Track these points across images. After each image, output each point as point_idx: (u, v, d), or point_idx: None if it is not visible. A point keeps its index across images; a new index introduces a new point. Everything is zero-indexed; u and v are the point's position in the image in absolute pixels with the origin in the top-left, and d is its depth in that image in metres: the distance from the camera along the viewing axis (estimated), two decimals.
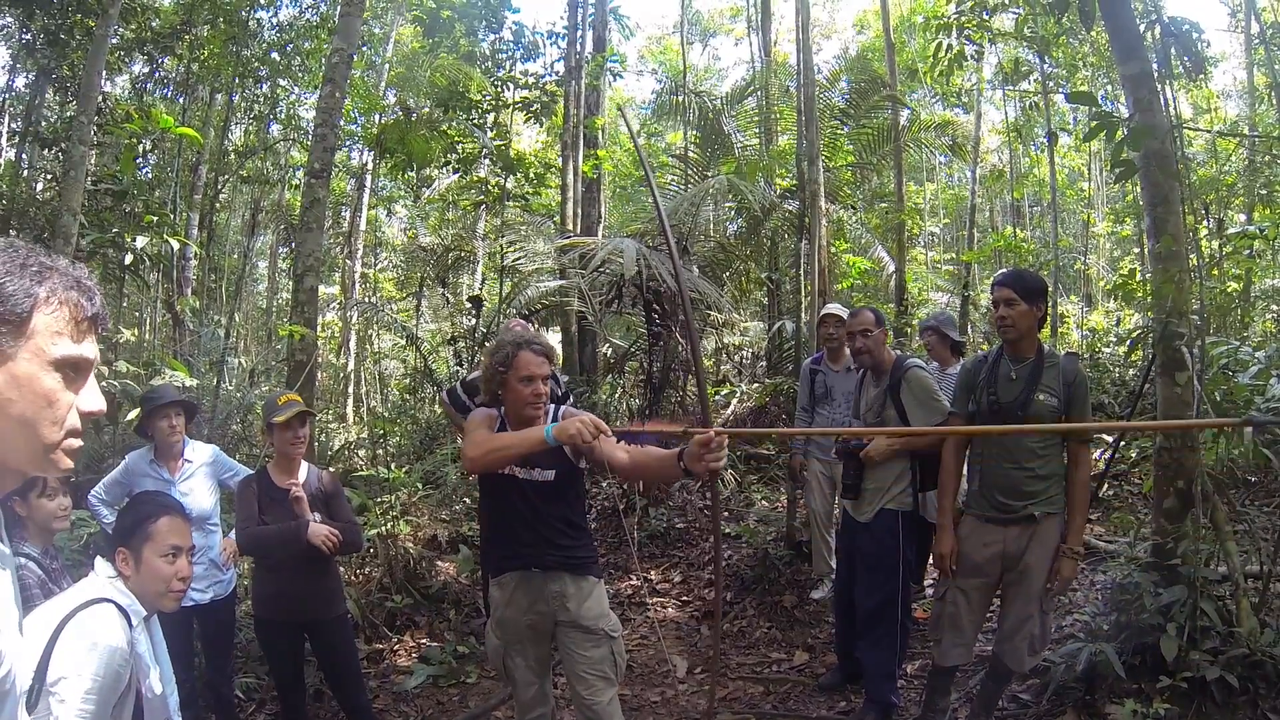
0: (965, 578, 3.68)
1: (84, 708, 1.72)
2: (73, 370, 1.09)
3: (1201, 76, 6.33)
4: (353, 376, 16.62)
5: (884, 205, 14.52)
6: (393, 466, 7.48)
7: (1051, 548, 3.51)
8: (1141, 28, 4.66)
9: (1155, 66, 4.54)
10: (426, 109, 11.83)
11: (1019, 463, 3.51)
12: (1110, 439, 6.28)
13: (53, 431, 1.07)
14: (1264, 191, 10.51)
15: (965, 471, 3.86)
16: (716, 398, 10.38)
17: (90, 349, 1.12)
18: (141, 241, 6.55)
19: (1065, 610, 5.08)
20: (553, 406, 3.22)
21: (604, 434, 2.75)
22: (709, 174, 11.25)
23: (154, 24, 10.57)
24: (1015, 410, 3.52)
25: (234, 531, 4.11)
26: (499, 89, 11.24)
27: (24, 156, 11.30)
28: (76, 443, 1.11)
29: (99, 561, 2.15)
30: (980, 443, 3.69)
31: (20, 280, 1.06)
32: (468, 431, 3.13)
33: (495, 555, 3.29)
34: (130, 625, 1.97)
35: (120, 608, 1.97)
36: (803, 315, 7.80)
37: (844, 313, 5.46)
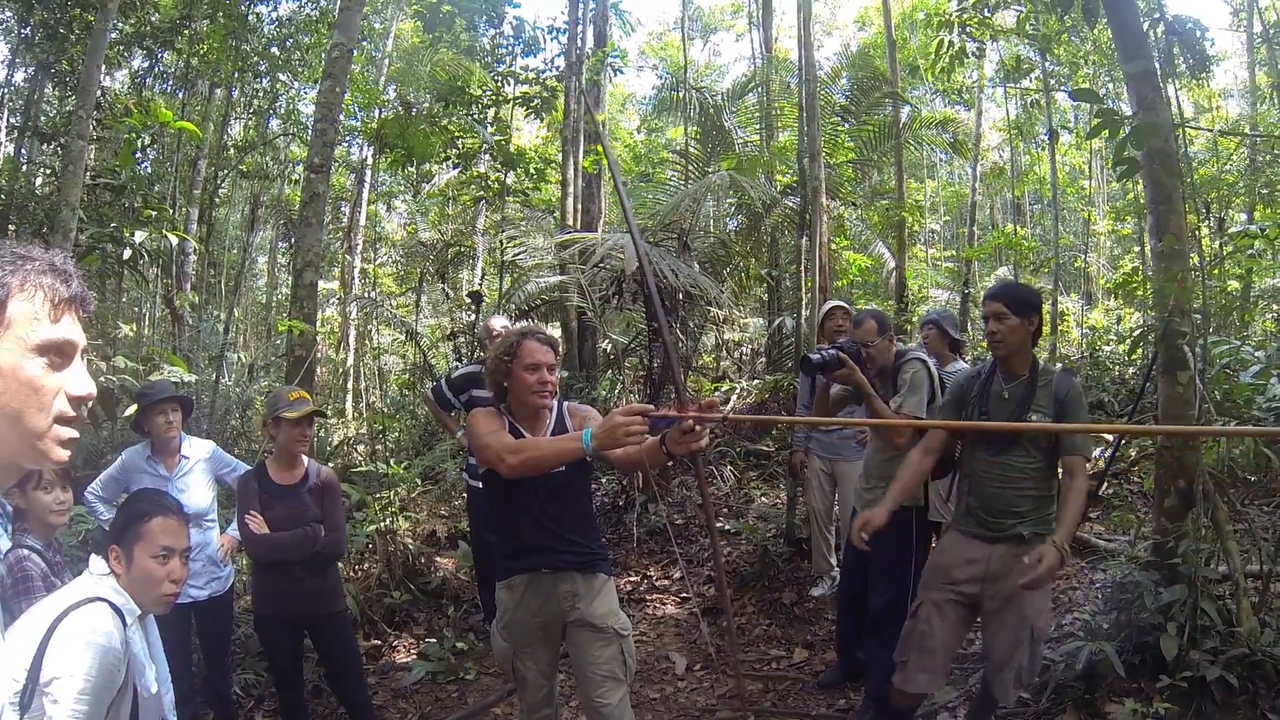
0: (940, 591, 3.42)
1: (77, 708, 1.71)
2: (57, 355, 1.08)
3: (1204, 75, 6.30)
4: (352, 372, 16.58)
5: (885, 202, 14.50)
6: (392, 462, 7.46)
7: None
8: (1145, 25, 4.64)
9: (1158, 64, 4.52)
10: (426, 104, 11.80)
11: (1008, 483, 3.31)
12: (1110, 436, 6.27)
13: (41, 420, 1.05)
14: (1265, 191, 10.49)
15: (954, 493, 3.71)
16: (716, 393, 10.35)
17: (71, 331, 1.10)
18: (140, 236, 6.52)
19: (1065, 609, 5.08)
20: (556, 402, 3.18)
21: (645, 427, 2.57)
22: (709, 170, 11.22)
23: (153, 18, 10.53)
24: (1007, 431, 3.37)
25: (231, 527, 4.11)
26: (499, 84, 11.21)
27: (23, 151, 11.29)
28: (69, 432, 1.09)
29: (94, 559, 2.13)
30: (968, 463, 3.52)
31: None
32: (479, 432, 2.96)
33: (503, 556, 3.22)
34: (125, 624, 1.95)
35: (114, 606, 1.95)
36: (803, 312, 7.79)
37: (849, 306, 5.47)
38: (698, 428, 2.46)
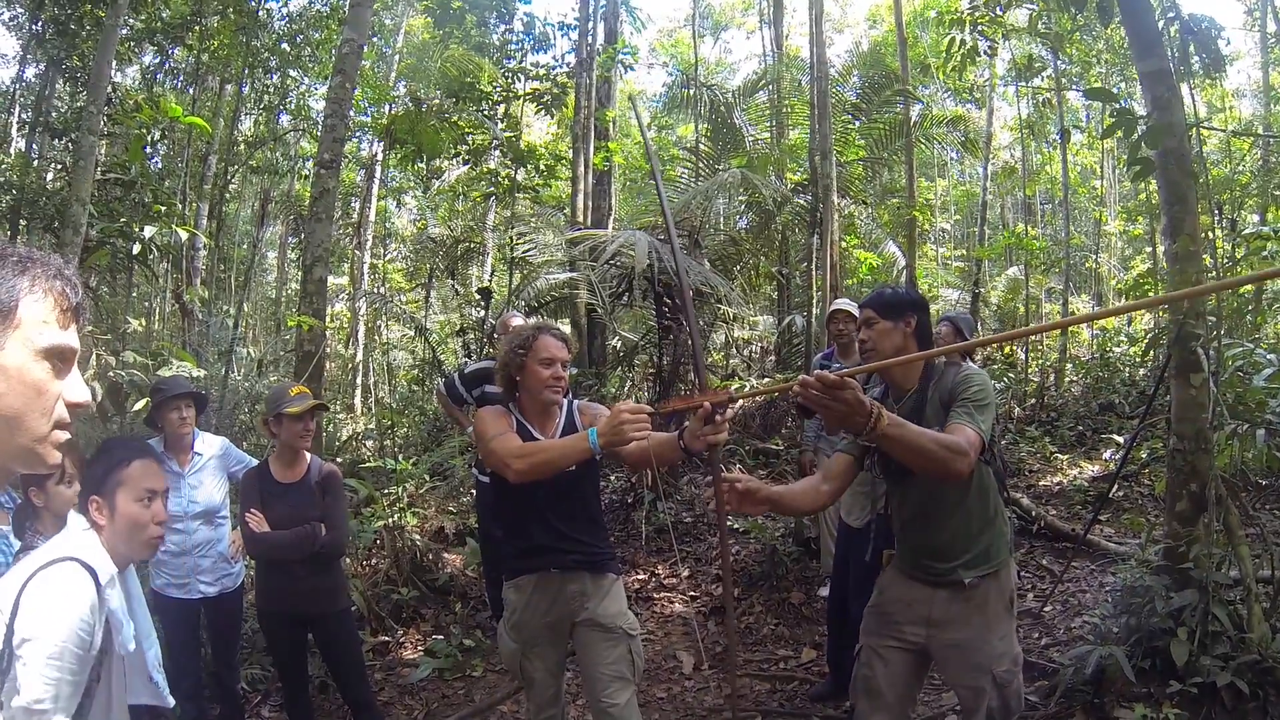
0: (880, 638, 3.00)
1: (47, 671, 1.68)
2: (59, 360, 1.08)
3: (1219, 74, 6.26)
4: (361, 367, 16.65)
5: (895, 200, 14.47)
6: (400, 458, 7.48)
7: (990, 617, 2.84)
8: (1160, 24, 4.61)
9: (1172, 63, 4.49)
10: (437, 100, 11.79)
11: (935, 520, 2.87)
12: (1123, 440, 6.24)
13: (41, 423, 1.06)
14: (1278, 192, 10.43)
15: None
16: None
17: (75, 338, 1.11)
18: (150, 231, 6.54)
19: (1075, 612, 5.06)
20: (565, 400, 3.16)
21: (649, 426, 2.53)
22: (720, 168, 11.21)
23: (164, 14, 10.57)
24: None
25: (239, 525, 4.11)
26: (509, 80, 11.20)
27: (34, 146, 11.32)
28: (64, 435, 1.09)
29: (72, 515, 2.05)
30: (891, 500, 3.06)
31: (1, 271, 1.05)
32: (485, 434, 2.92)
33: (511, 556, 3.20)
34: (98, 583, 1.92)
35: (85, 565, 1.92)
36: (813, 310, 7.77)
37: (853, 308, 5.40)
38: (718, 417, 2.42)
